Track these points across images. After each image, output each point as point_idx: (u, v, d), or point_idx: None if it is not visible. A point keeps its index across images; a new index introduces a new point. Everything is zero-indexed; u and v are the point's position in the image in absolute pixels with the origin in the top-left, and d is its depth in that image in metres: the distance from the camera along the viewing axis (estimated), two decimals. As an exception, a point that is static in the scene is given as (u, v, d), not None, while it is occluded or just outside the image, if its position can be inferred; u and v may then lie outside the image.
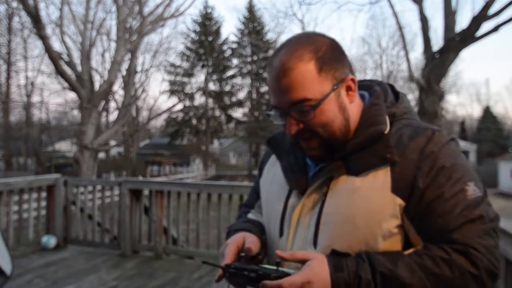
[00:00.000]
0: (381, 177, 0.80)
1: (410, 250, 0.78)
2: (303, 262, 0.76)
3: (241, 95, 36.97)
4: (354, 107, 0.88)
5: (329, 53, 0.83)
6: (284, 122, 0.86)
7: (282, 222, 0.91)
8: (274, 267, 0.77)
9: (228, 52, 36.86)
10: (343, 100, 0.85)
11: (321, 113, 0.82)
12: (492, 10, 7.20)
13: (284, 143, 0.98)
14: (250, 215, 1.08)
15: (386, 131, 0.83)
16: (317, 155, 0.87)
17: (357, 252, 0.79)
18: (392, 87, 0.97)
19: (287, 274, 0.75)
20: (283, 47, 0.86)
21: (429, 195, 0.78)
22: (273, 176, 1.00)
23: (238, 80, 36.89)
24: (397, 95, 0.94)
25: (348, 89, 0.86)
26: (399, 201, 0.79)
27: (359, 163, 0.83)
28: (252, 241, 0.88)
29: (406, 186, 0.79)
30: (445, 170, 0.79)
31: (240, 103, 36.79)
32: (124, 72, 16.65)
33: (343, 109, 0.85)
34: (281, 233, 0.91)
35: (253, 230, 0.95)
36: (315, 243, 0.85)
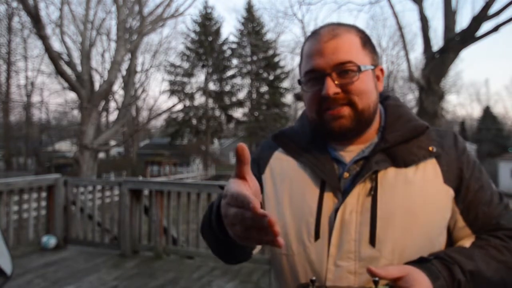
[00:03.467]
0: (431, 169, 0.82)
1: (468, 244, 0.81)
2: (397, 279, 0.70)
3: (241, 95, 37.02)
4: (378, 95, 0.87)
5: (369, 40, 0.87)
6: (319, 86, 0.81)
7: (318, 224, 0.82)
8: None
9: (228, 52, 36.88)
10: (376, 82, 0.86)
11: (361, 81, 0.81)
12: (492, 10, 7.20)
13: (298, 139, 0.92)
14: None
15: (427, 126, 0.86)
16: (345, 124, 0.81)
17: (432, 253, 0.78)
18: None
19: None
20: (325, 25, 0.86)
21: (474, 186, 0.83)
22: (289, 174, 0.89)
23: (238, 80, 36.93)
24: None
25: (378, 78, 0.88)
26: (451, 192, 0.82)
27: (407, 155, 0.82)
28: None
29: (454, 177, 0.82)
30: (477, 165, 0.86)
31: (240, 103, 36.80)
32: (124, 72, 16.65)
33: (376, 90, 0.86)
34: (316, 236, 0.82)
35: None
36: (372, 242, 0.78)
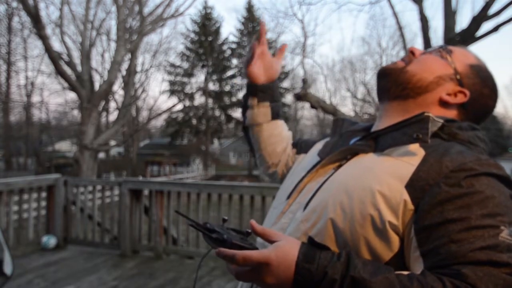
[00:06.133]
0: (404, 168, 0.71)
1: (405, 272, 0.63)
2: (272, 242, 0.68)
3: (241, 95, 36.99)
4: (433, 104, 0.84)
5: (486, 79, 0.87)
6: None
7: (295, 187, 0.89)
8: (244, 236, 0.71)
9: (228, 52, 36.89)
10: (444, 84, 0.84)
11: (433, 58, 0.86)
12: (492, 10, 7.20)
13: (348, 127, 0.99)
14: None
15: (428, 114, 0.76)
16: (387, 67, 0.89)
17: (340, 240, 0.72)
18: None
19: (252, 248, 0.67)
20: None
21: (451, 212, 0.64)
22: (314, 152, 1.00)
23: (238, 80, 36.92)
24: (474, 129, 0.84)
25: (454, 94, 0.84)
26: (407, 199, 0.68)
27: (387, 139, 0.79)
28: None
29: (422, 189, 0.68)
30: (482, 197, 0.65)
31: (240, 103, 36.78)
32: (124, 72, 16.65)
33: (436, 83, 0.84)
34: (289, 196, 0.90)
35: None
36: (305, 207, 0.80)
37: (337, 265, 0.64)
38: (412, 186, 0.69)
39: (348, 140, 0.93)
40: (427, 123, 0.75)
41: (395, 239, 0.69)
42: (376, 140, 0.82)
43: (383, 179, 0.72)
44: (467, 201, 0.65)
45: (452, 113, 0.84)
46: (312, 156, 0.99)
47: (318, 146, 1.02)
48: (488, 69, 0.89)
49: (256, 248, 0.67)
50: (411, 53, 0.89)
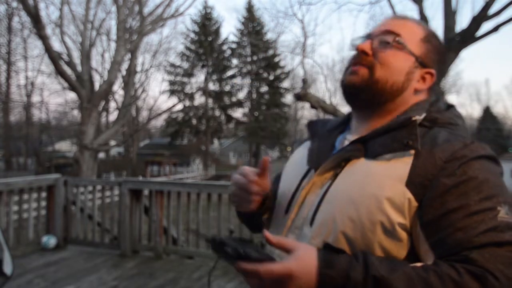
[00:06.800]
0: (400, 167, 0.73)
1: (418, 264, 0.67)
2: (288, 251, 0.69)
3: (241, 95, 37.04)
4: (410, 97, 0.84)
5: (436, 41, 0.87)
6: (361, 42, 0.85)
7: (292, 200, 0.87)
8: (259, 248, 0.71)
9: (228, 52, 36.90)
10: (413, 77, 0.83)
11: (394, 55, 0.82)
12: (492, 10, 7.21)
13: (323, 128, 0.97)
14: None
15: (415, 118, 0.77)
16: (355, 82, 0.83)
17: (354, 249, 0.73)
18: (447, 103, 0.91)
19: (271, 259, 0.67)
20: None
21: (452, 202, 0.68)
22: (297, 158, 0.97)
23: (238, 80, 36.96)
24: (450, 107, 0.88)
25: (423, 78, 0.84)
26: (410, 197, 0.71)
27: (378, 146, 0.78)
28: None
29: (422, 184, 0.71)
30: (476, 182, 0.69)
31: (240, 103, 36.82)
32: (124, 72, 16.66)
33: (407, 80, 0.82)
34: (287, 211, 0.87)
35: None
36: (312, 222, 0.80)
37: (357, 266, 0.66)
38: (412, 183, 0.71)
39: (328, 141, 0.92)
40: (415, 128, 0.77)
41: (405, 237, 0.72)
42: (365, 144, 0.81)
43: (384, 183, 0.73)
44: (463, 189, 0.69)
45: (425, 93, 0.86)
46: (297, 164, 0.95)
47: (301, 152, 0.98)
48: (431, 29, 0.88)
49: (273, 259, 0.68)
50: (362, 52, 0.83)
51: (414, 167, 0.72)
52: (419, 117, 0.79)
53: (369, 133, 0.81)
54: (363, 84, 0.82)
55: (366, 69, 0.82)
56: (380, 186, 0.73)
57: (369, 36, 0.86)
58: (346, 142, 0.87)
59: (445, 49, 0.90)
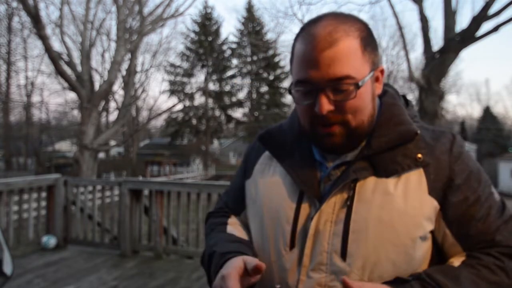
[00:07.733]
0: (415, 180, 0.75)
1: (458, 263, 0.74)
2: None
3: (241, 95, 37.06)
4: (376, 101, 0.81)
5: (370, 36, 0.77)
6: (311, 100, 0.74)
7: (294, 232, 0.79)
8: None
9: (228, 52, 36.92)
10: (374, 89, 0.79)
11: (358, 97, 0.73)
12: (492, 10, 7.21)
13: (285, 140, 0.88)
14: (232, 230, 0.91)
15: (419, 132, 0.77)
16: (337, 142, 0.76)
17: (413, 273, 0.73)
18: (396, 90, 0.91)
19: None
20: (321, 18, 0.76)
21: (466, 199, 0.76)
22: (271, 178, 0.87)
23: (238, 80, 36.98)
24: (404, 98, 0.90)
25: (377, 79, 0.80)
26: (436, 204, 0.75)
27: (389, 163, 0.76)
28: (256, 260, 0.74)
29: (441, 188, 0.76)
30: (474, 174, 0.78)
31: (240, 103, 36.83)
32: (124, 72, 16.65)
33: (373, 98, 0.79)
34: (292, 245, 0.79)
35: (248, 254, 0.79)
36: (343, 255, 0.75)
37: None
38: (434, 190, 0.76)
39: (305, 154, 0.84)
40: (420, 141, 0.78)
41: (430, 238, 0.78)
42: (370, 160, 0.78)
43: (412, 199, 0.75)
44: (469, 183, 0.77)
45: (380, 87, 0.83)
46: (278, 186, 0.85)
47: (271, 170, 0.88)
48: (355, 26, 0.75)
49: None
50: (329, 114, 0.74)
51: (428, 174, 0.76)
52: (416, 127, 0.78)
53: (373, 149, 0.77)
54: (345, 139, 0.77)
55: (339, 126, 0.75)
56: (410, 203, 0.74)
57: (314, 86, 0.73)
58: (328, 156, 0.82)
59: (370, 29, 0.78)
